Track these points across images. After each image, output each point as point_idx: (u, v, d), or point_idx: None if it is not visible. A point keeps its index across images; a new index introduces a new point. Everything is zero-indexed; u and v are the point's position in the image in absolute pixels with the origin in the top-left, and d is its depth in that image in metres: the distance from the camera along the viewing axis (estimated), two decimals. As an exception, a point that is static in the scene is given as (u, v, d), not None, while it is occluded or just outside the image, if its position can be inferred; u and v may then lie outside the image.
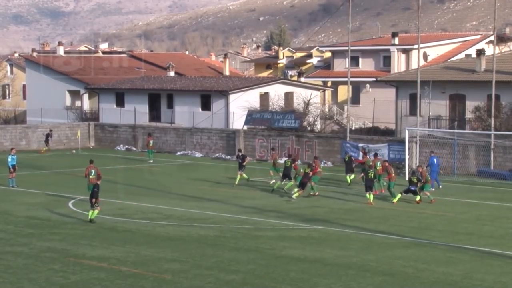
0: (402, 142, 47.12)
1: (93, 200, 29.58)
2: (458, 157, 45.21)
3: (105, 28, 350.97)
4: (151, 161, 52.31)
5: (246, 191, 38.90)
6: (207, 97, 60.86)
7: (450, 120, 51.36)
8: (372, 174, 35.92)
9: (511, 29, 79.67)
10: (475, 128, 48.99)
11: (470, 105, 50.52)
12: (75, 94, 71.66)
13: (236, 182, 40.68)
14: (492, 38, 56.83)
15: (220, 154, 56.64)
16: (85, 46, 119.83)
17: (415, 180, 35.51)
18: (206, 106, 60.81)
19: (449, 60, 63.33)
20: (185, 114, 61.09)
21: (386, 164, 38.58)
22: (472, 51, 63.07)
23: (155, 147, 55.06)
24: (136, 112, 63.42)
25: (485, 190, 39.85)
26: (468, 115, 50.57)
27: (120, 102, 65.47)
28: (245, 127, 56.90)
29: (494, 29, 50.75)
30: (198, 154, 57.26)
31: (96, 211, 29.82)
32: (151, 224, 29.79)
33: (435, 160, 41.35)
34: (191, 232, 28.32)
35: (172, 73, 71.80)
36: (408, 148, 45.60)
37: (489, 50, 58.94)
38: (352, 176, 41.19)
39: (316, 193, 37.12)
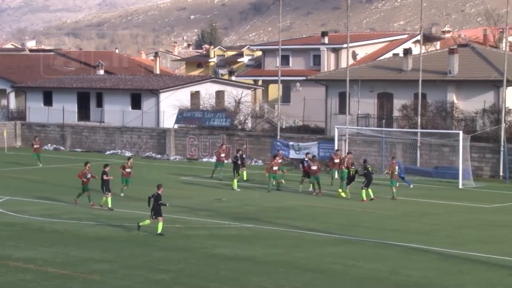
0: (332, 140, 47.64)
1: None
2: (386, 154, 45.93)
3: (32, 25, 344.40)
4: (40, 165, 49.21)
5: (179, 190, 38.76)
6: (137, 96, 60.40)
7: (378, 118, 52.15)
8: (354, 171, 36.64)
9: (437, 29, 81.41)
10: (402, 126, 49.85)
11: (397, 103, 51.38)
12: (0, 93, 70.18)
13: (245, 178, 41.64)
14: (418, 37, 57.90)
15: (151, 153, 56.31)
16: (12, 44, 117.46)
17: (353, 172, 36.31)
18: (136, 105, 60.35)
19: (377, 59, 64.26)
20: (115, 113, 60.51)
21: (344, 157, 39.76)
22: (400, 51, 64.10)
23: (43, 150, 52.79)
24: (65, 111, 62.51)
25: (411, 187, 40.58)
26: (396, 113, 51.41)
27: (48, 101, 64.43)
28: (176, 126, 56.69)
29: (420, 29, 51.75)
30: (128, 153, 56.80)
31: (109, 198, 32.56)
32: (79, 224, 29.42)
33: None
34: (121, 232, 28.07)
35: (101, 72, 70.97)
36: (337, 146, 46.12)
37: (416, 50, 60.01)
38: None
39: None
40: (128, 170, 36.88)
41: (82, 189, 33.75)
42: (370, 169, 36.26)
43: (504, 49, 50.65)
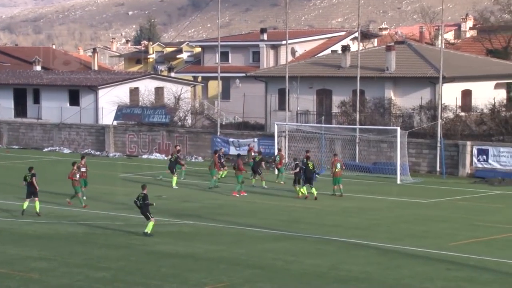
0: (272, 136, 47.78)
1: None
2: (325, 151, 46.27)
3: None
4: None
5: (119, 187, 38.39)
6: (76, 92, 59.60)
7: (318, 114, 52.48)
8: (312, 165, 35.94)
9: (375, 26, 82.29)
10: (341, 122, 50.27)
11: (336, 100, 51.79)
12: None
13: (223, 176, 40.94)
14: (356, 34, 58.48)
15: (90, 150, 55.64)
16: None
17: (312, 166, 35.76)
18: (74, 101, 59.55)
19: (316, 56, 64.68)
20: (52, 109, 59.57)
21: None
22: (338, 47, 64.57)
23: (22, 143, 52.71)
24: (1, 107, 61.30)
25: (351, 183, 41.02)
26: (335, 109, 51.82)
27: (-17, 97, 63.08)
28: (115, 123, 56.13)
29: (358, 26, 52.27)
30: (66, 150, 56.02)
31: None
32: (17, 222, 28.90)
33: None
34: (60, 229, 27.67)
35: (38, 68, 69.81)
36: (278, 143, 46.29)
37: (354, 47, 60.59)
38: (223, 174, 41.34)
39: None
40: (83, 169, 34.41)
41: (75, 191, 32.81)
42: (311, 166, 35.98)
43: (439, 46, 51.45)
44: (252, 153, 42.82)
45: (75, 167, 33.05)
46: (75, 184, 32.62)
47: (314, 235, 27.25)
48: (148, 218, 26.64)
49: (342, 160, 39.47)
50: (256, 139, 49.57)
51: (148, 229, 26.56)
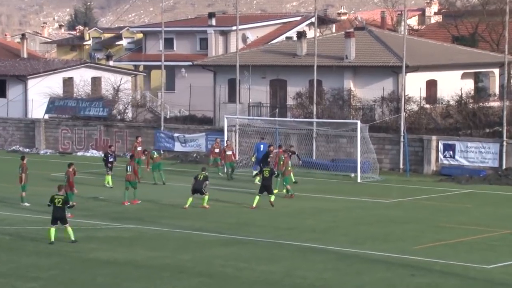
0: (221, 131, 47.72)
1: None
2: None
3: None
4: None
5: (50, 188, 37.92)
6: (2, 83, 58.85)
7: (271, 107, 52.57)
8: (268, 172, 33.57)
9: (332, 10, 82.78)
10: (296, 115, 50.42)
11: (291, 91, 51.91)
12: None
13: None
14: (313, 20, 58.66)
15: (18, 146, 54.93)
16: None
17: (267, 174, 33.65)
18: (0, 92, 58.75)
19: (269, 43, 64.74)
20: (-24, 101, 58.75)
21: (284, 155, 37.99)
22: (293, 34, 64.84)
23: None
24: None
25: (307, 182, 41.16)
26: (290, 101, 51.95)
27: None
28: (47, 116, 55.51)
29: (315, 11, 52.42)
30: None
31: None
32: None
33: (261, 146, 42.36)
34: (-16, 236, 27.28)
35: (-40, 55, 68.75)
36: (228, 138, 46.25)
37: (310, 33, 60.77)
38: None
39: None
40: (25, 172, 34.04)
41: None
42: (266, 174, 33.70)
43: (402, 32, 51.88)
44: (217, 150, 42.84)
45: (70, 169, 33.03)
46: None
47: (266, 239, 27.28)
48: (65, 223, 26.30)
49: (296, 152, 39.65)
50: (202, 134, 49.49)
51: (71, 235, 26.21)
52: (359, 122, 43.88)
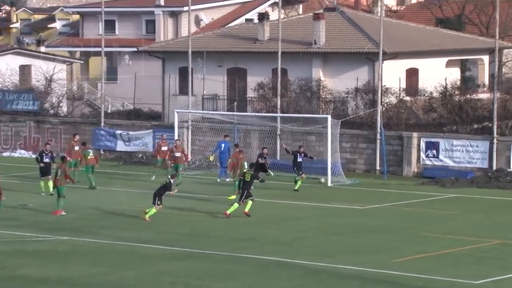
0: (171, 127, 47.55)
1: None
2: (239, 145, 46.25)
3: None
4: None
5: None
6: None
7: (229, 100, 52.54)
8: (250, 176, 33.47)
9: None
10: (258, 110, 50.41)
11: (252, 81, 51.90)
12: None
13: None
14: (277, -1, 58.71)
15: None
16: None
17: (249, 177, 33.53)
18: None
19: (226, 26, 64.69)
20: None
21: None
22: (254, 16, 64.81)
23: None
24: None
25: (269, 186, 41.16)
26: (250, 93, 51.95)
27: None
28: (-33, 111, 55.01)
29: (279, -11, 52.42)
30: None
31: None
32: None
33: (223, 145, 42.32)
34: None
35: None
36: (179, 136, 46.12)
37: (274, 15, 60.80)
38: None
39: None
40: None
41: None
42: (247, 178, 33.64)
43: (379, 14, 52.11)
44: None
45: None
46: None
47: (223, 251, 27.24)
48: None
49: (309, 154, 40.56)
50: (149, 131, 49.34)
51: None
52: (329, 117, 43.99)
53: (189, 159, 45.19)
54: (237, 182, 35.74)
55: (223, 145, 42.68)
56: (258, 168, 37.24)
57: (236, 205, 33.36)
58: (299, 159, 40.27)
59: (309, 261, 26.02)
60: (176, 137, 44.79)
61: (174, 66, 54.53)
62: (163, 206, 32.72)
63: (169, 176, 34.01)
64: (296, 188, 39.93)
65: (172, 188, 33.24)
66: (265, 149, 41.06)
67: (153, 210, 32.59)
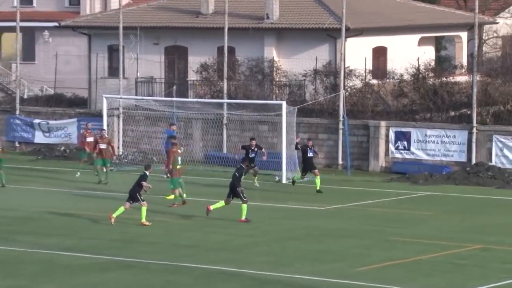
0: (99, 115, 47.40)
1: None
2: (179, 136, 46.16)
3: None
4: None
5: None
6: None
7: (167, 84, 52.41)
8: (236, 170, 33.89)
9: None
10: (201, 95, 50.38)
11: (194, 61, 51.80)
12: None
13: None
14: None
15: None
16: None
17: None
18: None
19: (163, -2, 64.59)
20: None
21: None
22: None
23: None
24: None
25: (214, 184, 41.14)
26: (192, 76, 51.87)
27: None
28: None
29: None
30: None
31: None
32: None
33: (166, 136, 42.34)
34: None
35: None
36: (108, 125, 45.92)
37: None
38: None
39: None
40: None
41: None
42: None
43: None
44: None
45: None
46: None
47: (160, 260, 27.17)
48: None
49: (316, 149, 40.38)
50: (73, 120, 49.08)
51: None
52: (284, 103, 44.05)
53: (116, 153, 44.87)
54: (174, 180, 35.84)
55: (166, 136, 42.55)
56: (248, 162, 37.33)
57: (222, 202, 33.45)
58: (252, 155, 40.09)
59: (260, 271, 26.03)
60: (104, 127, 44.51)
61: (102, 44, 54.24)
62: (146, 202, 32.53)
63: (144, 169, 33.77)
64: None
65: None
66: (254, 141, 40.64)
67: (144, 209, 32.49)
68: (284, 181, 42.27)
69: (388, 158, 44.78)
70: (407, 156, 44.35)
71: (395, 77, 48.81)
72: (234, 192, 33.52)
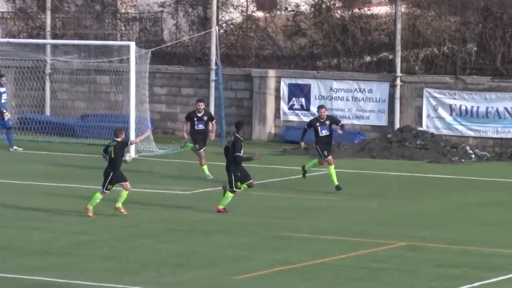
0: None
1: None
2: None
3: None
4: None
5: None
6: None
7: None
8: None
9: None
10: (14, 33, 50.22)
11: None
12: None
13: None
14: None
15: None
16: None
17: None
18: None
19: None
20: None
21: None
22: None
23: None
24: None
25: (32, 159, 41.00)
26: (2, 7, 51.50)
27: None
28: None
29: None
30: None
31: None
32: None
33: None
34: None
35: None
36: None
37: None
38: None
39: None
40: None
41: None
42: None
43: None
44: None
45: None
46: None
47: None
48: None
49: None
50: None
51: None
52: (133, 44, 44.07)
53: None
54: None
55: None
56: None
57: (229, 194, 33.67)
58: (199, 126, 39.28)
59: (99, 282, 25.94)
60: None
61: None
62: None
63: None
64: None
65: None
66: (201, 103, 39.81)
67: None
68: (133, 155, 42.25)
69: (279, 122, 45.16)
70: (305, 119, 44.55)
71: (289, 8, 49.07)
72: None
